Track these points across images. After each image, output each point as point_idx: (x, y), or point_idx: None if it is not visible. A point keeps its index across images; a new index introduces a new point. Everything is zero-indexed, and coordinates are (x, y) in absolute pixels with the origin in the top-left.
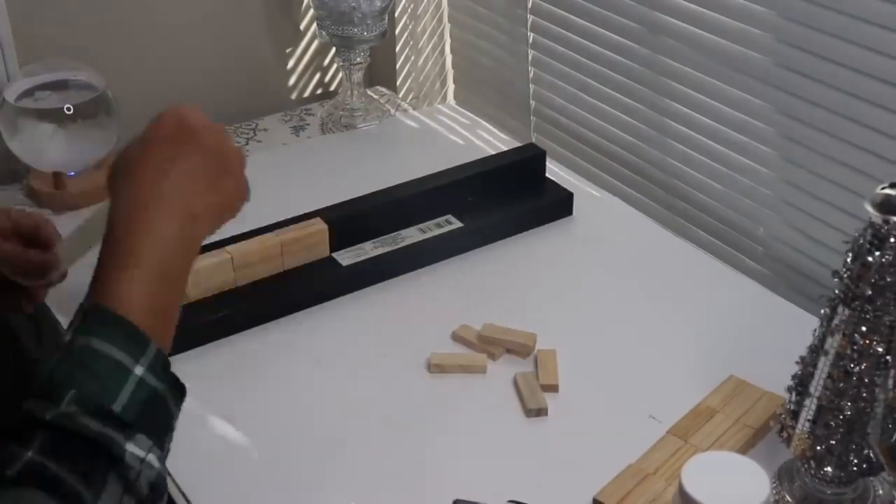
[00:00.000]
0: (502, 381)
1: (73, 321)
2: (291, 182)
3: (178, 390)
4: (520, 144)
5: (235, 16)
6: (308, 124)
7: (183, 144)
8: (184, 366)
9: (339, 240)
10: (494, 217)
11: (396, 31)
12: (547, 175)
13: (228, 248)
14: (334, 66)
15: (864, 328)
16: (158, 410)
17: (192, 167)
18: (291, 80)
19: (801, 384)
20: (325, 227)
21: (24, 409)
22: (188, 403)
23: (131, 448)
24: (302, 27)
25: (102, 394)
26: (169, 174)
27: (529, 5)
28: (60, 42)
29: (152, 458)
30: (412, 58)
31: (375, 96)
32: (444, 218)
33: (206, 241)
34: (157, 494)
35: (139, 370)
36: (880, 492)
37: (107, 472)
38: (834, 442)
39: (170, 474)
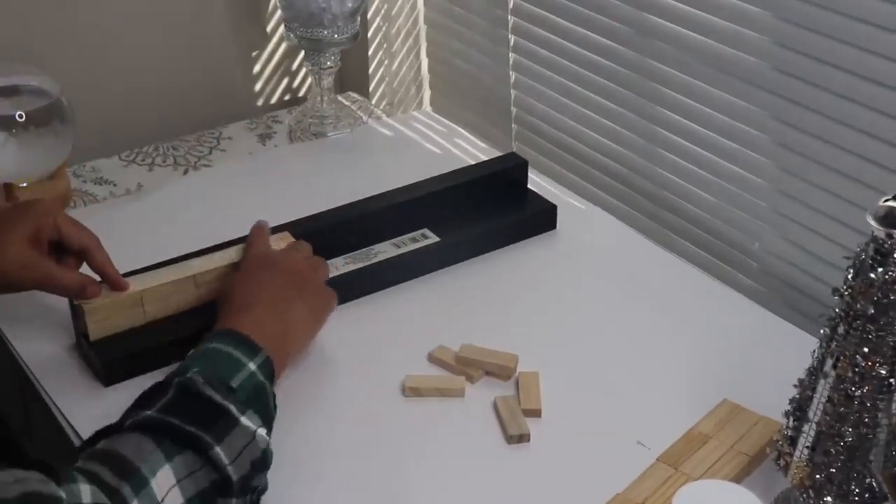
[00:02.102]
0: (481, 406)
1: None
2: (257, 194)
3: (275, 403)
4: (500, 153)
5: (198, 17)
6: (275, 132)
7: (266, 269)
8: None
9: None
10: (473, 231)
11: (369, 34)
12: (529, 186)
13: (191, 263)
14: (303, 71)
15: (866, 349)
16: (266, 400)
17: (276, 286)
18: (257, 86)
19: (799, 408)
20: (293, 241)
21: (157, 383)
22: None
23: (245, 420)
24: (269, 29)
25: (222, 373)
26: (261, 287)
27: (510, 6)
28: (12, 46)
29: (262, 433)
30: (386, 62)
31: (347, 103)
32: (419, 232)
33: (170, 257)
34: (257, 470)
35: (252, 365)
36: None
37: (226, 428)
38: (834, 470)
39: None
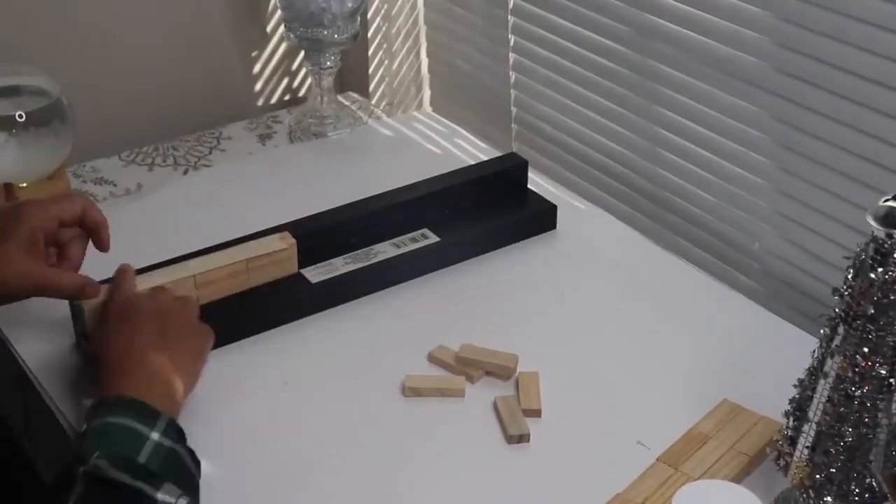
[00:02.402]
0: (481, 406)
1: (86, 416)
2: (257, 194)
3: (193, 458)
4: (500, 153)
5: (198, 18)
6: (275, 132)
7: (132, 319)
8: None
9: (309, 255)
10: (473, 231)
11: (369, 34)
12: (529, 186)
13: (191, 263)
14: (303, 71)
15: (866, 349)
16: (180, 466)
17: (146, 329)
18: (258, 86)
19: (799, 408)
20: (293, 241)
21: (58, 474)
22: None
23: (161, 496)
24: (269, 29)
25: (126, 451)
26: (133, 342)
27: (510, 6)
28: (12, 46)
29: (183, 502)
30: (386, 62)
31: (347, 103)
32: (419, 232)
33: (170, 257)
34: None
35: (155, 434)
36: None
37: None
38: (834, 470)
39: None
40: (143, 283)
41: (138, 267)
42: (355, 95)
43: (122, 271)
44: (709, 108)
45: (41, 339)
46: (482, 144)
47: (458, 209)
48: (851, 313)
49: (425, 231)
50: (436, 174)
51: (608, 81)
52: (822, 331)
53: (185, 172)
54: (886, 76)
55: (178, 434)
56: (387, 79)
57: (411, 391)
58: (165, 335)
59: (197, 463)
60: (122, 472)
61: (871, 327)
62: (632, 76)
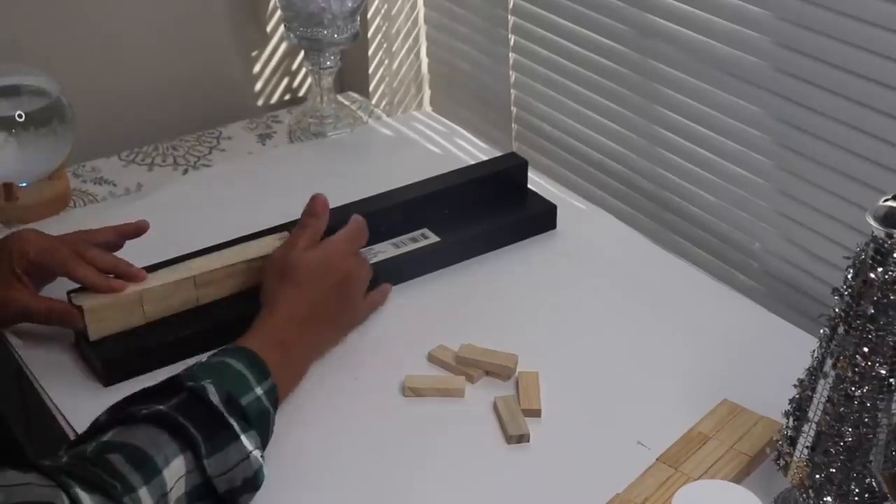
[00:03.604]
0: (481, 406)
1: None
2: (257, 193)
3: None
4: (500, 153)
5: (198, 17)
6: (275, 132)
7: (318, 281)
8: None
9: None
10: (473, 231)
11: (369, 34)
12: (529, 186)
13: (191, 263)
14: (303, 71)
15: (866, 349)
16: (266, 427)
17: (323, 304)
18: (257, 86)
19: (798, 409)
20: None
21: (165, 382)
22: None
23: (244, 439)
24: (268, 29)
25: (232, 390)
26: (308, 304)
27: (510, 6)
28: (12, 46)
29: (256, 454)
30: (386, 62)
31: (347, 102)
32: (419, 232)
33: (170, 257)
34: (250, 489)
35: (259, 390)
36: None
37: (225, 443)
38: (834, 470)
39: None
40: (140, 284)
41: (137, 267)
42: (355, 95)
43: (316, 215)
44: (709, 108)
45: (41, 339)
46: (482, 144)
47: (458, 209)
48: (851, 313)
49: (425, 231)
50: (436, 174)
51: (608, 81)
52: (822, 331)
53: (185, 172)
54: (886, 76)
55: (275, 400)
56: (387, 78)
57: (411, 391)
58: (333, 311)
59: (272, 432)
60: (222, 403)
61: (871, 327)
62: (632, 76)
